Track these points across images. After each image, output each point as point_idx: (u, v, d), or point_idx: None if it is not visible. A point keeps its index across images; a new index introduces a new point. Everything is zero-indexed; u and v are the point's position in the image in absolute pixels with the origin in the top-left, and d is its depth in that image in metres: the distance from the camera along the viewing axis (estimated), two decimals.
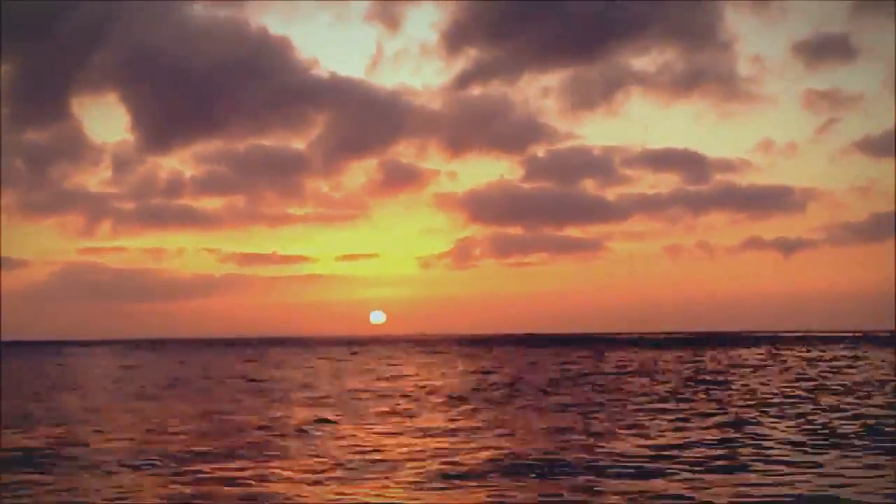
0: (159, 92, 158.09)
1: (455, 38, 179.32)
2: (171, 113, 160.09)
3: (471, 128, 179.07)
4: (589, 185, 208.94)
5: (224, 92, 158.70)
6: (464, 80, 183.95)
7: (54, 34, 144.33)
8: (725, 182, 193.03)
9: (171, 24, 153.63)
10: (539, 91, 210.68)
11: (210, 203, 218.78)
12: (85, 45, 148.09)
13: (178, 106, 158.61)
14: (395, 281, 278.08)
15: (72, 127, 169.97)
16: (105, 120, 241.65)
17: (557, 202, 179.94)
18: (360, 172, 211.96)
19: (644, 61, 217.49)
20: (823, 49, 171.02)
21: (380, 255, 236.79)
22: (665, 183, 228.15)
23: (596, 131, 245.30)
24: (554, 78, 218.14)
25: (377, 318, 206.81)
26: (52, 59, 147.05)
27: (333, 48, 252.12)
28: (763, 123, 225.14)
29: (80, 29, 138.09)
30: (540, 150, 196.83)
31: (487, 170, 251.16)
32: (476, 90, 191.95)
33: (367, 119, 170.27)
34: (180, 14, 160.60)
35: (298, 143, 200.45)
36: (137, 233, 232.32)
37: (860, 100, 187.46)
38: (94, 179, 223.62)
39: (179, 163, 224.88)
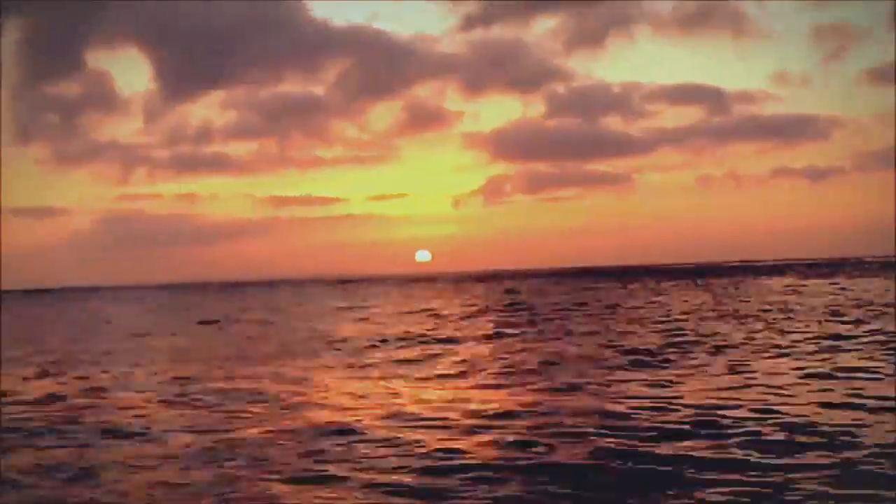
0: (180, 44, 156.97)
1: None
2: (193, 63, 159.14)
3: (487, 69, 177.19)
4: (611, 121, 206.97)
5: (244, 43, 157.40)
6: (468, 25, 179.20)
7: None
8: (747, 113, 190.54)
9: None
10: (549, 32, 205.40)
11: (240, 148, 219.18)
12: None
13: (199, 57, 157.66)
14: (429, 219, 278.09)
15: (96, 80, 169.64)
16: (128, 72, 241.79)
17: (582, 138, 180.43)
18: (384, 114, 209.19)
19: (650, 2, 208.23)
20: None
21: (410, 194, 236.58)
22: (687, 116, 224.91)
23: (609, 69, 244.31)
24: (560, 18, 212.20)
25: (423, 256, 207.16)
26: (70, 13, 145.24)
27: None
28: (774, 57, 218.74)
29: None
30: (559, 88, 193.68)
31: (509, 109, 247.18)
32: (482, 34, 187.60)
33: (384, 63, 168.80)
34: None
35: (320, 89, 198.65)
36: (172, 179, 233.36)
37: (868, 34, 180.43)
38: (125, 129, 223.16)
39: (206, 109, 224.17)
